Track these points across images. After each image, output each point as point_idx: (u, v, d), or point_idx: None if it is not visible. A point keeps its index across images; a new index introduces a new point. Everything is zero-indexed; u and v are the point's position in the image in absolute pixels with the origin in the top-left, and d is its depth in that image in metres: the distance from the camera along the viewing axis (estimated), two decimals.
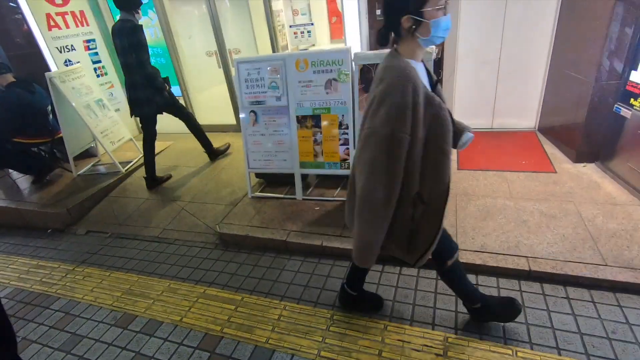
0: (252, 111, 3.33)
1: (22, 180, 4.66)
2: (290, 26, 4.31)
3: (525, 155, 3.64)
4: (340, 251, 2.71)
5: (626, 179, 2.93)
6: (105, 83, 5.38)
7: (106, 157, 4.82)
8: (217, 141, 4.75)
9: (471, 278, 2.36)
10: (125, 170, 4.55)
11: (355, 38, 3.68)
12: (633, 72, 2.83)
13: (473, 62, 4.09)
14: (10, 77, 4.10)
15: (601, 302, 2.08)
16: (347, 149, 3.13)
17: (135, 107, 3.86)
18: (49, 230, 3.84)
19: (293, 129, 3.24)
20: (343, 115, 3.06)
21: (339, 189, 3.43)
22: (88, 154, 4.98)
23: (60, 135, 4.41)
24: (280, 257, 2.84)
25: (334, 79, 2.99)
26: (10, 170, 4.84)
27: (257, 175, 3.78)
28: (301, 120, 3.20)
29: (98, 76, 5.22)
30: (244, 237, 3.02)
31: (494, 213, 2.82)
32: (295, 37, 4.30)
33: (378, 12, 3.35)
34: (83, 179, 4.48)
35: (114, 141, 4.59)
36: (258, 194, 3.57)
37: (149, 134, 4.02)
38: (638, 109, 2.77)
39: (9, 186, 4.61)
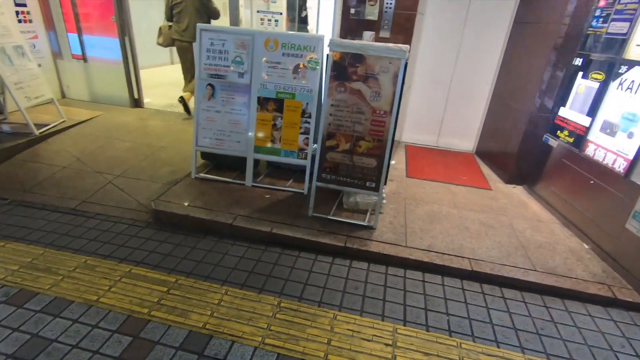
0: (210, 84, 3.09)
1: None
2: (258, 11, 4.17)
3: (466, 172, 3.92)
4: (291, 240, 2.57)
5: (549, 201, 3.29)
6: (28, 32, 4.60)
7: (16, 116, 4.08)
8: None
9: (418, 275, 2.40)
10: (40, 133, 3.87)
11: (327, 32, 3.68)
12: (562, 108, 3.24)
13: (427, 81, 4.36)
14: None
15: (531, 302, 2.25)
16: (307, 138, 3.05)
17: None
18: None
19: (252, 110, 3.07)
20: (308, 104, 2.98)
21: (291, 180, 3.31)
22: None
23: None
24: (223, 242, 2.60)
25: (304, 65, 2.91)
26: None
27: (203, 156, 3.48)
28: (262, 102, 3.04)
29: (20, 21, 4.45)
30: (183, 216, 2.71)
31: (440, 218, 2.95)
32: (262, 24, 4.17)
33: (352, 11, 3.41)
34: None
35: (30, 97, 3.90)
36: (203, 175, 3.28)
37: None
38: (563, 140, 3.16)
39: None
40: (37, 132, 3.85)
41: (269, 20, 4.15)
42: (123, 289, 2.09)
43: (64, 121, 4.26)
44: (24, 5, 4.49)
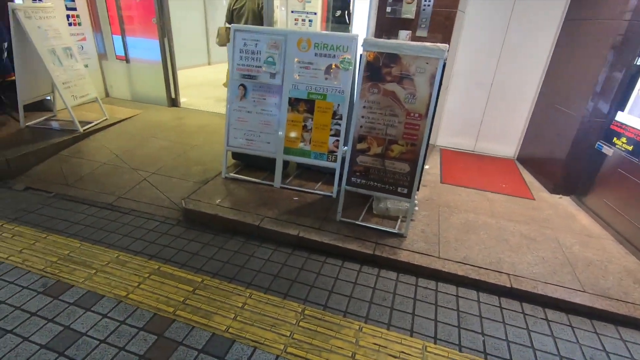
0: (242, 85, 3.09)
1: None
2: (293, 11, 4.16)
3: (506, 179, 3.68)
4: (317, 244, 2.51)
5: (601, 214, 3.00)
6: (77, 34, 4.87)
7: (63, 114, 4.32)
8: None
9: (451, 289, 2.25)
10: (84, 130, 4.07)
11: (361, 31, 3.59)
12: (619, 112, 2.94)
13: (466, 82, 4.14)
14: None
15: (579, 327, 2.04)
16: (337, 141, 2.97)
17: None
18: None
19: (283, 111, 3.04)
20: (339, 105, 2.91)
21: (320, 183, 3.25)
22: (43, 106, 4.44)
23: (12, 78, 3.89)
24: (250, 243, 2.59)
25: (336, 65, 2.84)
26: None
27: (234, 156, 3.50)
28: (293, 102, 3.00)
29: (70, 24, 4.71)
30: (212, 216, 2.73)
31: (476, 228, 2.77)
32: (296, 24, 4.14)
33: (388, 9, 3.29)
34: (31, 132, 3.95)
35: (76, 96, 4.11)
36: (233, 174, 3.30)
37: None
38: (620, 147, 2.87)
39: None
40: (81, 129, 4.05)
41: (303, 20, 4.12)
42: (151, 286, 2.12)
43: (106, 119, 4.47)
44: (74, 9, 4.75)
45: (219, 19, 9.08)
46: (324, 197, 3.05)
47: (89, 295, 2.03)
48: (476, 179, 3.64)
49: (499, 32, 3.87)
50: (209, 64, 9.25)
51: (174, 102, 5.41)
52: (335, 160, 3.00)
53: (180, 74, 5.47)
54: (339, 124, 2.94)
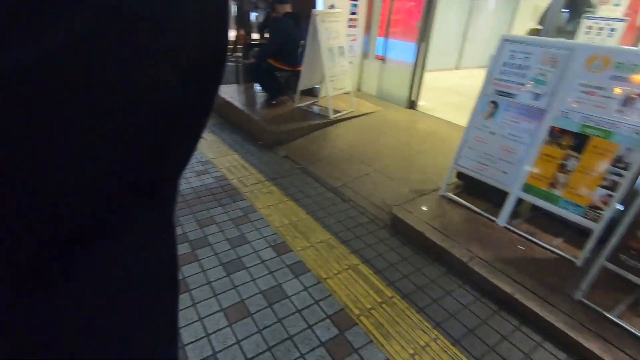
0: (494, 102, 2.73)
1: (260, 96, 5.53)
2: (587, 17, 3.28)
3: None
4: (536, 318, 1.98)
5: None
6: (350, 35, 5.65)
7: (323, 101, 5.17)
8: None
9: None
10: (334, 118, 4.75)
11: None
12: None
13: None
14: (287, 8, 4.72)
15: None
16: (610, 196, 2.19)
17: None
18: (260, 143, 4.41)
19: (537, 141, 2.49)
20: (628, 150, 2.11)
21: (560, 239, 2.54)
22: (311, 92, 5.46)
23: (300, 69, 4.92)
24: (450, 277, 2.33)
25: None
26: (255, 85, 5.82)
27: (459, 175, 3.22)
28: (556, 134, 2.41)
29: (349, 27, 5.50)
30: (418, 233, 2.61)
31: None
32: (587, 33, 3.25)
33: None
34: (299, 112, 4.94)
35: (336, 88, 4.81)
36: (451, 195, 3.05)
37: None
38: None
39: (250, 96, 5.56)
40: (332, 116, 4.74)
41: (601, 29, 3.20)
42: (346, 280, 2.25)
43: (351, 111, 5.05)
44: (355, 14, 5.50)
45: (482, 22, 8.52)
46: (561, 260, 2.37)
47: (300, 265, 2.36)
48: None
49: None
50: (457, 68, 8.93)
51: (412, 104, 5.53)
52: (597, 220, 2.24)
53: (426, 77, 5.49)
54: (621, 175, 2.15)
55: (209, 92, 0.31)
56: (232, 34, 7.31)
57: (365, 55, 6.02)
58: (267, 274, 2.26)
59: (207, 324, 1.89)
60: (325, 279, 2.25)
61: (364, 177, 3.53)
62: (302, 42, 4.83)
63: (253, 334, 1.85)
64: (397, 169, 3.64)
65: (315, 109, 5.11)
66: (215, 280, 2.17)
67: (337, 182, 3.46)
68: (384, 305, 2.08)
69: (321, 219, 2.89)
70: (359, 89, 6.31)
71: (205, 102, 0.31)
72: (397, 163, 3.77)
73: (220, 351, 1.76)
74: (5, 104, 0.21)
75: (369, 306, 2.06)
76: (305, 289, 2.16)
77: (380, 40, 5.69)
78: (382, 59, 5.71)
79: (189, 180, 3.36)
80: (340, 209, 3.05)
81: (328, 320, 1.95)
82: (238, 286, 2.15)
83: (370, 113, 5.16)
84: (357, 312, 2.01)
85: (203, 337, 1.82)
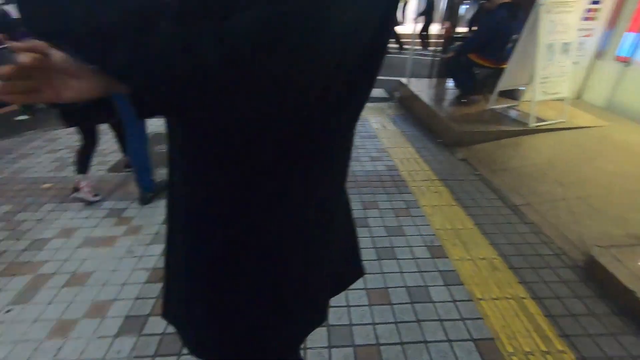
0: None
1: (451, 92, 5.26)
2: None
3: None
4: None
5: None
6: (584, 29, 4.59)
7: (525, 105, 4.46)
8: None
9: None
10: (534, 126, 4.06)
11: None
12: None
13: None
14: None
15: None
16: None
17: None
18: (439, 141, 4.22)
19: None
20: None
21: None
22: (511, 94, 4.80)
23: (504, 66, 4.37)
24: None
25: None
26: (448, 80, 5.55)
27: None
28: None
29: (584, 19, 4.48)
30: (626, 291, 1.99)
31: None
32: None
33: None
34: (492, 114, 4.45)
35: (547, 92, 4.07)
36: None
37: None
38: None
39: (440, 92, 5.36)
40: (532, 124, 4.06)
41: None
42: (505, 309, 1.96)
43: (562, 122, 4.18)
44: (597, 2, 4.41)
45: None
46: None
47: (453, 275, 2.19)
48: None
49: None
50: None
51: None
52: None
53: None
54: None
55: (385, 46, 0.59)
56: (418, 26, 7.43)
57: (599, 54, 4.81)
58: (416, 272, 2.21)
59: (350, 297, 2.02)
60: (479, 299, 2.02)
61: (559, 202, 2.91)
62: (514, 36, 4.26)
63: (389, 323, 1.87)
64: (609, 203, 2.84)
65: (513, 113, 4.48)
66: (366, 260, 2.28)
67: (520, 199, 2.99)
68: (548, 356, 1.71)
69: (489, 234, 2.58)
70: (578, 97, 5.14)
71: (383, 51, 0.59)
72: (612, 196, 2.93)
73: (356, 325, 1.86)
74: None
75: (527, 349, 1.74)
76: (454, 301, 2.01)
77: (629, 36, 4.40)
78: (627, 61, 4.42)
79: (363, 164, 3.58)
80: (517, 230, 2.63)
81: (472, 344, 1.77)
82: (385, 273, 2.20)
83: (588, 127, 4.15)
84: (509, 349, 1.74)
85: (344, 307, 1.96)
